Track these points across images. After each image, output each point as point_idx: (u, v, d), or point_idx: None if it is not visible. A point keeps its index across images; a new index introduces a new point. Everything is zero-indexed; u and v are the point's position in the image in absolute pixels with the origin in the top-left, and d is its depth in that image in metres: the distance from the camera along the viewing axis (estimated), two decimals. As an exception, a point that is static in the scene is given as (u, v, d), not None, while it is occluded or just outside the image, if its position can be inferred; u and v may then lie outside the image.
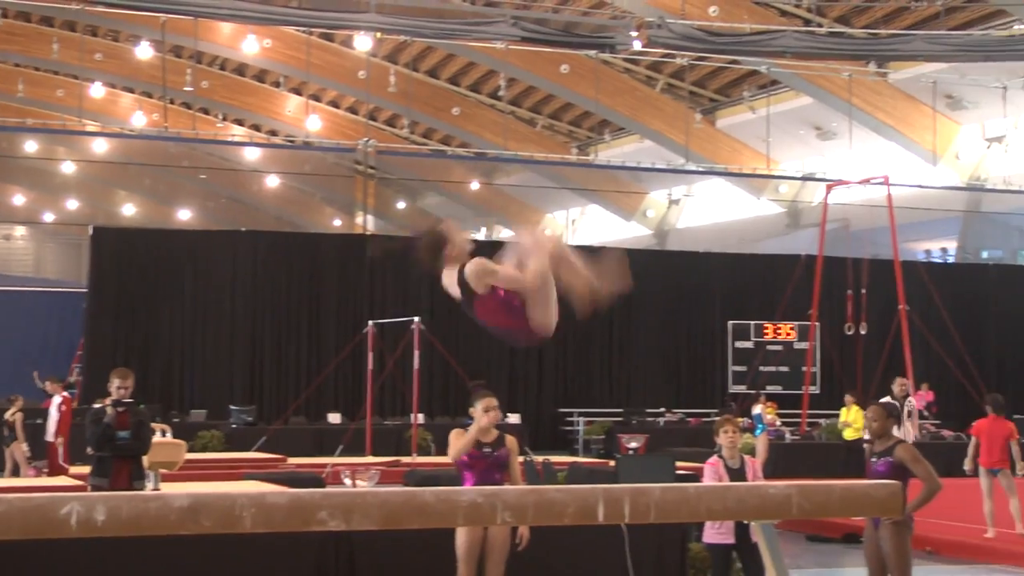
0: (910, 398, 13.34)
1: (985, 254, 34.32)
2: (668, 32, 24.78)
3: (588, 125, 37.52)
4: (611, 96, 32.32)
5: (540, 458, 15.73)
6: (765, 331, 28.00)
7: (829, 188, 25.48)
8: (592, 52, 28.46)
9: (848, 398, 21.35)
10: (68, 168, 44.44)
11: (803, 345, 26.81)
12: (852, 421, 20.88)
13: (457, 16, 26.74)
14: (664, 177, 36.93)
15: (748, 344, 27.98)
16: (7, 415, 17.37)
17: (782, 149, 34.03)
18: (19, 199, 48.09)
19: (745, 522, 7.90)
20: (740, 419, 11.24)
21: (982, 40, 25.67)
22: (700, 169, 33.38)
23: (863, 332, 23.79)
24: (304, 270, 26.79)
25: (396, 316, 22.99)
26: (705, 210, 39.76)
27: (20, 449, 17.35)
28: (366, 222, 38.53)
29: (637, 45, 26.05)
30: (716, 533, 8.44)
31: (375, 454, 20.50)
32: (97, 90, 36.73)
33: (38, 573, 7.86)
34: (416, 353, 19.93)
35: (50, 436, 17.27)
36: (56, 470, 16.72)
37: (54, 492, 4.49)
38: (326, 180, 43.26)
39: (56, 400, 17.50)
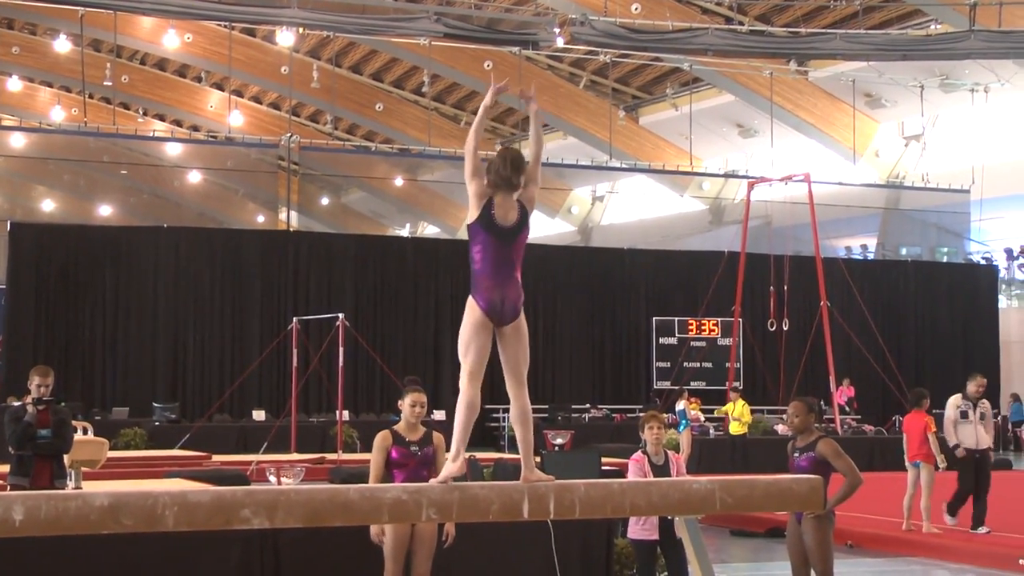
0: (984, 400, 13.32)
1: (904, 251, 34.86)
2: (591, 29, 24.89)
3: (512, 122, 37.57)
4: (535, 93, 32.36)
5: (466, 455, 15.71)
6: (689, 327, 28.20)
7: (751, 185, 25.73)
8: (515, 49, 28.50)
9: (733, 393, 21.63)
10: (-15, 163, 43.63)
11: (727, 341, 27.05)
12: (739, 415, 21.17)
13: (380, 12, 26.64)
14: (588, 174, 37.08)
15: (672, 340, 28.17)
16: None
17: (705, 146, 34.33)
18: (-67, 194, 47.12)
19: (669, 518, 7.95)
20: (664, 415, 11.31)
21: (900, 39, 26.06)
22: (623, 166, 33.57)
23: (785, 328, 24.05)
24: (227, 266, 26.55)
25: (320, 312, 22.87)
26: (629, 207, 39.95)
27: None
28: (289, 218, 38.25)
29: (560, 42, 26.17)
30: (640, 529, 8.45)
31: (300, 451, 20.39)
32: (14, 84, 36.16)
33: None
34: (341, 350, 19.83)
35: None
36: None
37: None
38: (249, 176, 42.89)
39: None
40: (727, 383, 25.10)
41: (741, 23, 28.60)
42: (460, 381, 5.34)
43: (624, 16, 26.11)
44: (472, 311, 5.31)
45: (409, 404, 8.06)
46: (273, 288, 26.56)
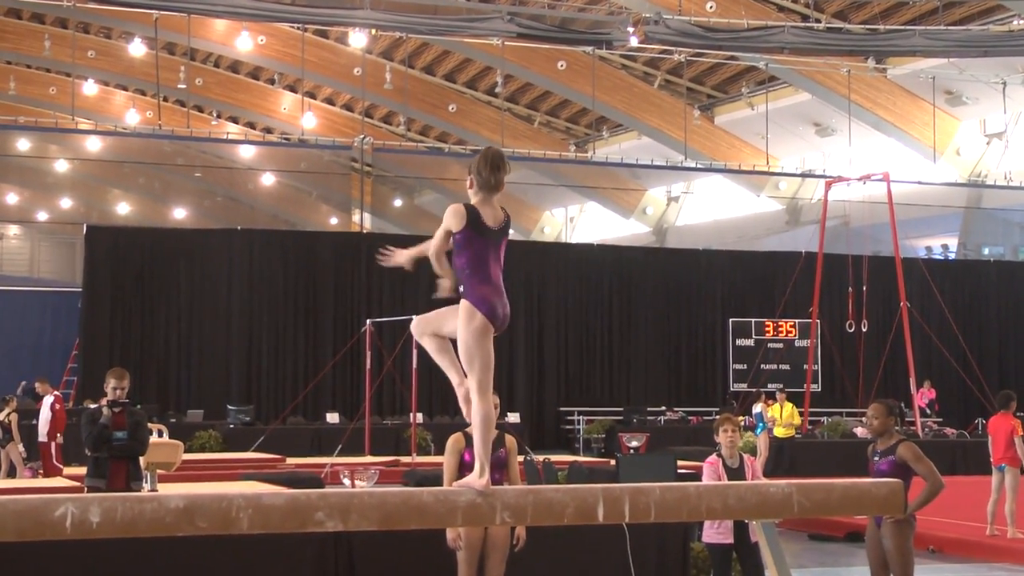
0: None
1: (986, 250, 34.28)
2: (665, 28, 24.74)
3: (586, 122, 37.46)
4: (608, 93, 32.25)
5: (540, 458, 15.66)
6: (766, 329, 27.95)
7: (829, 185, 25.42)
8: (589, 48, 28.38)
9: (779, 394, 21.24)
10: (61, 166, 44.29)
11: (804, 343, 26.76)
12: (788, 418, 20.77)
13: (452, 12, 26.67)
14: (663, 174, 36.87)
15: (749, 342, 27.92)
16: (1, 416, 17.28)
17: (781, 146, 33.99)
18: (12, 198, 47.93)
19: (745, 522, 7.84)
20: (741, 418, 11.17)
21: (981, 35, 25.63)
22: (699, 166, 33.35)
23: (864, 329, 23.74)
24: (301, 268, 26.70)
25: (394, 315, 22.91)
26: (704, 207, 39.70)
27: (16, 450, 17.26)
28: (363, 220, 38.44)
29: (634, 41, 26.00)
30: (715, 533, 8.38)
31: (374, 454, 20.42)
32: (90, 88, 36.67)
33: (33, 575, 7.77)
34: (415, 352, 19.82)
35: (43, 437, 17.18)
36: (50, 471, 16.63)
37: (50, 493, 4.43)
38: (322, 178, 43.18)
39: (48, 400, 17.41)
40: (805, 385, 24.82)
41: (818, 20, 28.29)
42: (471, 394, 5.12)
43: (699, 14, 25.93)
44: (473, 318, 5.11)
45: None
46: (346, 290, 26.67)
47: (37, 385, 17.97)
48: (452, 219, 5.18)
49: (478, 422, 5.14)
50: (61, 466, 16.71)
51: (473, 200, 5.30)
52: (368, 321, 21.52)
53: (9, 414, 17.31)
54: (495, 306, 5.16)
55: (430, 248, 5.20)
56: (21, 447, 17.28)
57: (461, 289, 5.17)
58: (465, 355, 5.11)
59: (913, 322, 23.28)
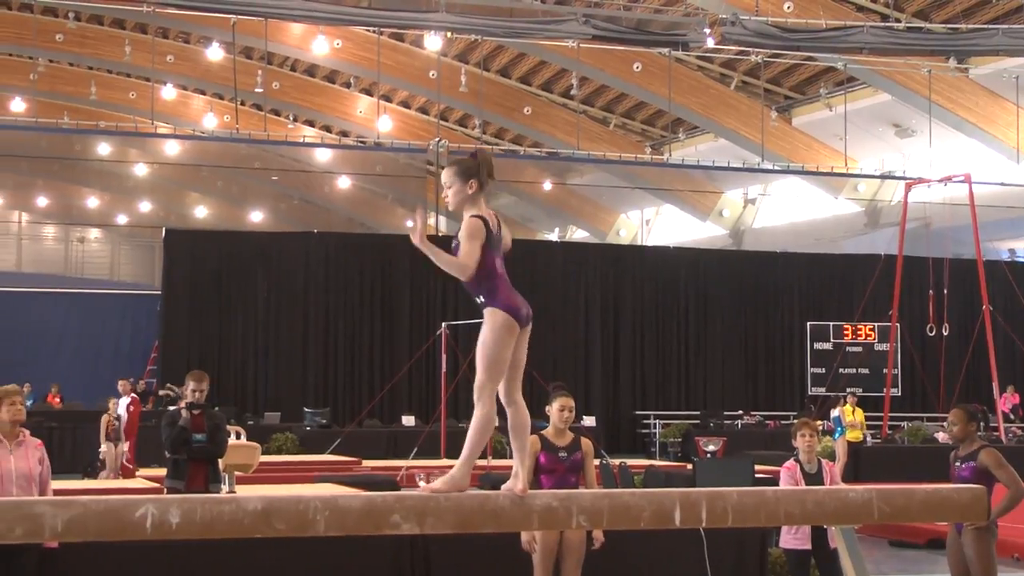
0: None
1: (1071, 253, 33.63)
2: (742, 29, 24.56)
3: (662, 124, 37.29)
4: (684, 94, 32.07)
5: (616, 461, 15.60)
6: (844, 332, 27.66)
7: (909, 186, 25.11)
8: (665, 50, 28.24)
9: (850, 397, 20.90)
10: (141, 170, 44.95)
11: (883, 346, 26.45)
12: (857, 421, 20.40)
13: (528, 15, 26.66)
14: (740, 176, 36.59)
15: (827, 345, 27.65)
16: (112, 415, 17.43)
17: (860, 147, 33.57)
18: (93, 202, 48.73)
19: (823, 527, 7.76)
20: (819, 422, 11.05)
21: (1066, 34, 25.14)
22: (776, 168, 33.03)
23: (945, 333, 23.40)
24: (376, 271, 26.84)
25: (469, 317, 22.93)
26: (782, 209, 39.35)
27: (114, 451, 17.36)
28: (438, 223, 38.56)
29: (711, 42, 25.85)
30: (792, 539, 8.30)
31: (449, 456, 20.44)
32: (169, 92, 37.13)
33: (111, 574, 7.87)
34: (490, 354, 19.82)
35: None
36: (128, 472, 16.82)
37: (130, 495, 4.48)
38: (397, 181, 43.38)
39: (124, 401, 17.59)
40: (885, 389, 24.52)
41: (898, 20, 27.93)
42: (499, 401, 5.14)
43: (776, 15, 25.71)
44: (504, 324, 5.10)
45: (557, 409, 8.00)
46: (422, 293, 26.75)
47: (120, 385, 18.16)
48: (480, 234, 5.11)
49: (518, 428, 5.27)
50: (131, 466, 16.89)
51: (473, 205, 5.20)
52: (444, 324, 21.56)
53: (116, 414, 17.45)
54: (519, 307, 5.14)
55: (468, 265, 5.07)
56: (124, 447, 17.38)
57: (481, 299, 5.13)
58: (492, 362, 5.08)
59: (996, 325, 22.91)
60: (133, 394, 18.23)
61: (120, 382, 18.19)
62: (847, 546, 5.42)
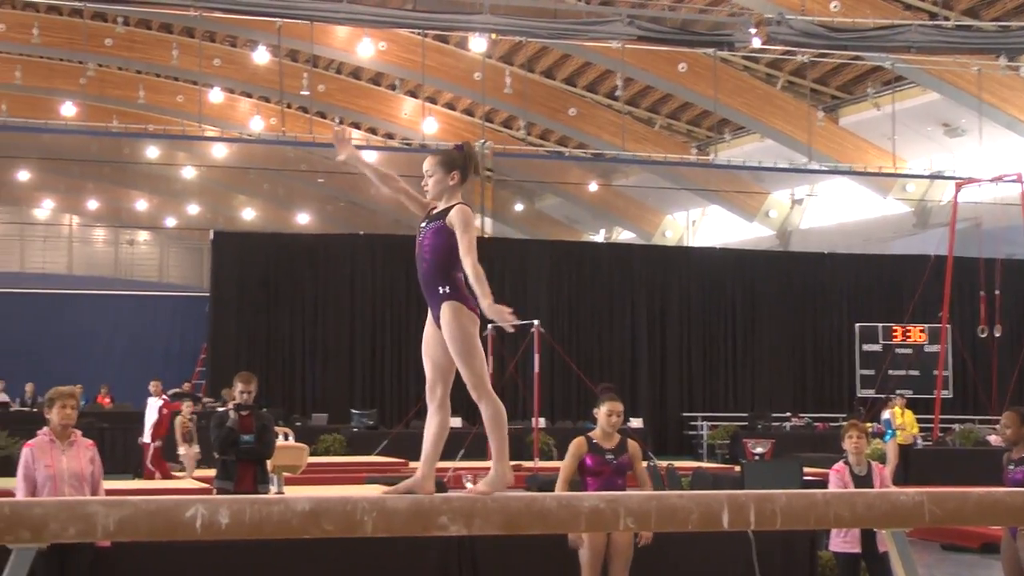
0: None
1: (1126, 252, 33.18)
2: (788, 28, 24.42)
3: (707, 124, 37.14)
4: (730, 95, 31.93)
5: (663, 463, 15.55)
6: (894, 334, 27.46)
7: (959, 186, 24.87)
8: (710, 50, 28.14)
9: (899, 399, 20.67)
10: (189, 173, 45.28)
11: (934, 348, 26.22)
12: (906, 423, 20.18)
13: (572, 16, 26.64)
14: (786, 177, 36.38)
15: (876, 347, 27.46)
16: (185, 416, 17.53)
17: (909, 147, 33.29)
18: (142, 204, 49.16)
19: (873, 531, 7.71)
20: (869, 424, 10.96)
21: (1119, 31, 24.84)
22: (824, 168, 32.82)
23: (997, 334, 23.15)
24: (423, 273, 26.86)
25: (516, 319, 22.92)
26: (829, 210, 39.10)
27: (189, 450, 17.42)
28: (483, 225, 38.60)
29: (756, 42, 25.72)
30: (842, 542, 8.26)
31: (496, 458, 20.43)
32: (216, 95, 37.36)
33: (161, 573, 7.94)
34: (536, 357, 19.84)
35: (147, 438, 17.47)
36: (149, 473, 16.90)
37: (180, 495, 4.51)
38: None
39: (157, 403, 17.70)
40: (935, 391, 24.30)
41: (946, 18, 27.67)
42: (485, 395, 5.12)
43: (822, 14, 25.54)
44: (473, 320, 5.05)
45: (605, 413, 8.00)
46: (468, 294, 26.74)
47: (151, 386, 18.24)
48: (474, 224, 5.10)
49: (501, 421, 5.21)
50: (153, 468, 16.96)
51: (452, 197, 5.16)
52: (489, 326, 21.53)
53: (185, 416, 17.54)
54: (475, 304, 5.06)
55: (477, 271, 4.98)
56: (184, 448, 17.46)
57: (444, 291, 5.06)
58: (473, 357, 5.06)
59: (1049, 327, 22.66)
60: (164, 396, 18.35)
61: (152, 383, 18.28)
62: (898, 550, 5.36)
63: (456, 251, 5.00)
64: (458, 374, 5.14)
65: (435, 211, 5.15)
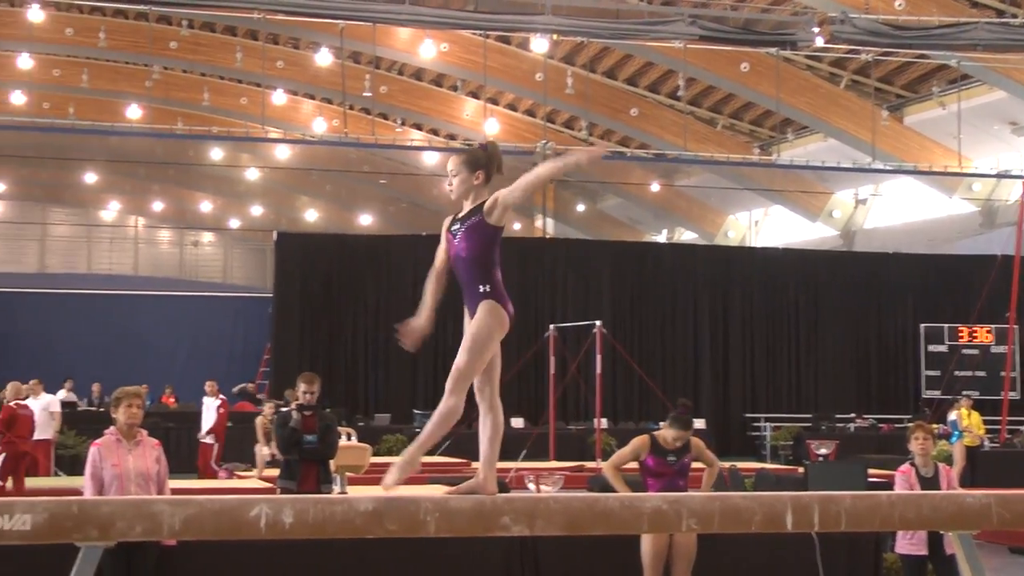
0: None
1: None
2: (852, 27, 24.20)
3: (770, 124, 36.90)
4: (793, 94, 31.70)
5: (726, 464, 15.47)
6: (960, 334, 27.17)
7: (1026, 185, 24.56)
8: (773, 49, 27.95)
9: (964, 400, 20.36)
10: (252, 175, 45.66)
11: (1001, 349, 25.90)
12: (973, 425, 19.88)
13: (634, 16, 26.56)
14: (850, 176, 36.06)
15: (942, 348, 27.18)
16: (267, 417, 17.66)
17: (975, 145, 32.88)
18: (206, 206, 49.64)
19: (940, 533, 7.63)
20: (935, 426, 10.85)
21: None
22: (888, 168, 32.49)
23: (1065, 335, 22.84)
24: (484, 274, 26.90)
25: (577, 319, 22.93)
26: (894, 210, 38.71)
27: (262, 451, 17.55)
28: (545, 225, 38.60)
29: (819, 41, 25.50)
30: (908, 544, 8.17)
31: (558, 459, 20.46)
32: (279, 97, 37.63)
33: (226, 572, 8.01)
34: (598, 357, 19.82)
35: (205, 438, 17.61)
36: (211, 473, 17.03)
37: (244, 495, 4.54)
38: (505, 183, 43.39)
39: (214, 403, 17.84)
40: (1002, 393, 23.99)
41: (1014, 15, 27.31)
42: (459, 392, 5.03)
43: (887, 12, 25.30)
44: (503, 321, 5.09)
45: (672, 437, 8.04)
46: (530, 295, 26.77)
47: (207, 385, 18.40)
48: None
49: (500, 427, 5.10)
50: (216, 468, 17.08)
51: (483, 196, 5.18)
52: (551, 326, 21.57)
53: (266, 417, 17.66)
54: (511, 309, 5.14)
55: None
56: (267, 449, 17.57)
57: (483, 289, 5.03)
58: (479, 356, 5.06)
59: (1118, 327, 22.30)
60: (221, 396, 18.50)
61: (207, 383, 18.44)
62: (965, 553, 5.30)
63: (494, 248, 5.08)
64: (486, 370, 5.10)
65: (462, 213, 5.11)
